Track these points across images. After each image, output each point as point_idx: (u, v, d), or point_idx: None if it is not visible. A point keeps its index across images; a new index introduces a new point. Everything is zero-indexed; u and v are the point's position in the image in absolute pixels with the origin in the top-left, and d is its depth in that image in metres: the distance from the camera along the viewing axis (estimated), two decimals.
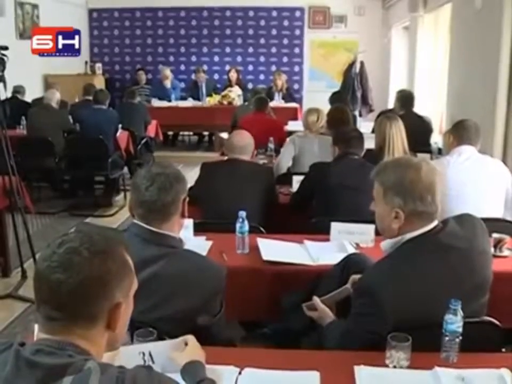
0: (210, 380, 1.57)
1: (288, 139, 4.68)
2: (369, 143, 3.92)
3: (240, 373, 1.73)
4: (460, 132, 3.44)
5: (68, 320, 1.17)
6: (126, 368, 1.18)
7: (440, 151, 5.06)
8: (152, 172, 1.96)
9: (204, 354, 1.66)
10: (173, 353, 1.65)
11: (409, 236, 1.91)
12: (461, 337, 1.76)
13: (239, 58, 11.27)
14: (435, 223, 1.92)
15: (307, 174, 3.68)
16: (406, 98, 6.10)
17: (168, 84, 9.78)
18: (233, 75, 9.96)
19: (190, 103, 9.43)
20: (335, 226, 2.95)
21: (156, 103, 9.34)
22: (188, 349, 1.65)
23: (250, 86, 10.42)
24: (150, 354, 1.66)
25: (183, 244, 2.03)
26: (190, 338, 1.68)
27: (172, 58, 11.35)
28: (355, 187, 3.31)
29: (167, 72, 9.91)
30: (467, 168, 3.31)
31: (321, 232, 2.99)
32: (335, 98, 6.74)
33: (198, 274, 1.91)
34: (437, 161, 3.48)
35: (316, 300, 2.23)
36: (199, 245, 2.74)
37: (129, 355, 1.55)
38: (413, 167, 1.92)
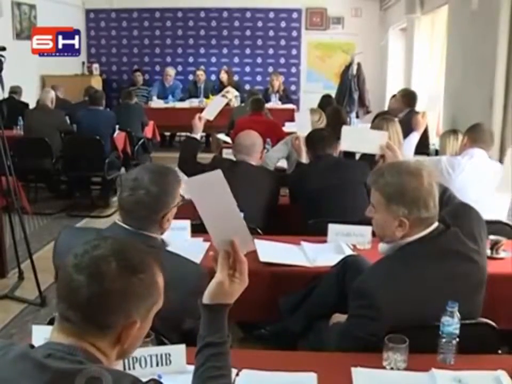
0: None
1: (285, 138, 4.65)
2: None
3: (237, 374, 1.72)
4: (475, 135, 3.47)
5: (80, 323, 1.17)
6: (140, 380, 1.17)
7: (437, 153, 5.06)
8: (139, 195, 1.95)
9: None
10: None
11: (408, 239, 1.91)
12: (457, 339, 1.77)
13: (236, 60, 11.27)
14: (435, 225, 1.92)
15: (288, 182, 3.72)
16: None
17: (170, 82, 9.88)
18: (223, 76, 9.94)
19: (187, 104, 9.39)
20: (332, 228, 2.95)
21: (153, 104, 9.34)
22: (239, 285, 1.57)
23: (247, 87, 10.42)
24: None
25: (166, 245, 2.01)
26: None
27: (169, 59, 11.34)
28: (337, 185, 3.34)
29: (171, 71, 9.99)
30: (475, 171, 3.32)
31: (319, 233, 2.99)
32: (325, 101, 6.74)
33: (173, 274, 1.87)
34: (448, 161, 3.48)
35: None
36: (196, 246, 2.73)
37: None
38: (414, 174, 1.89)
